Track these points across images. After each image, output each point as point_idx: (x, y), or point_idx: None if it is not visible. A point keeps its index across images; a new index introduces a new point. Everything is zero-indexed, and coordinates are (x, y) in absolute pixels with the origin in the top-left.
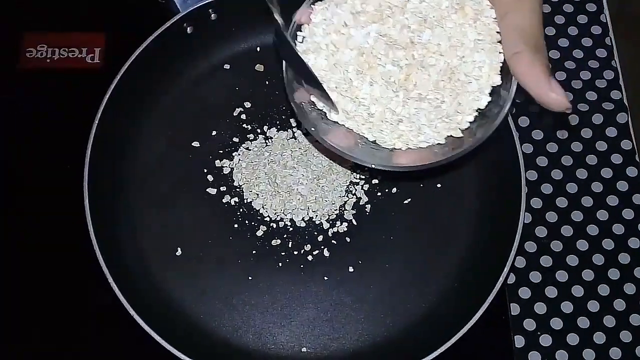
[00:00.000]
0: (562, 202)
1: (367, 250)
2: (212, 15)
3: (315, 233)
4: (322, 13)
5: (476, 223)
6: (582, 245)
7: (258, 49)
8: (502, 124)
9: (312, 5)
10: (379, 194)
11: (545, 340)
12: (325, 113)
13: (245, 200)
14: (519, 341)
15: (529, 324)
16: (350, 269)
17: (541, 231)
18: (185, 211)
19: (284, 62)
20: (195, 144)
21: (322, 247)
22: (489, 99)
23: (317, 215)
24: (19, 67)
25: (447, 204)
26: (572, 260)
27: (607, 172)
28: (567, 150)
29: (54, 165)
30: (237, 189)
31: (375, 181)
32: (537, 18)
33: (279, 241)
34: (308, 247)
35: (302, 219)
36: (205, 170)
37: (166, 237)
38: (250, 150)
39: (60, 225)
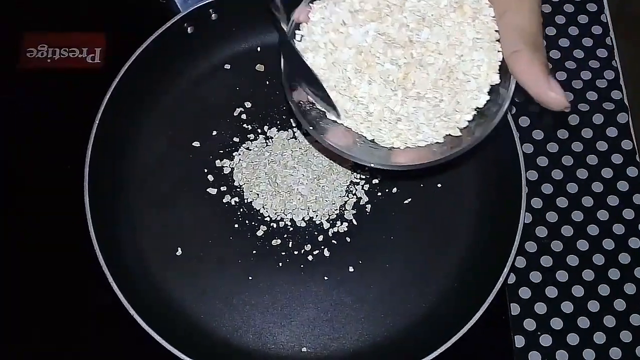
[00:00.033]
0: (562, 202)
1: (368, 250)
2: (213, 15)
3: (316, 233)
4: (321, 12)
5: (476, 223)
6: (583, 245)
7: (258, 49)
8: (501, 123)
9: (310, 4)
10: (379, 194)
11: (546, 340)
12: (324, 112)
13: (245, 200)
14: (519, 341)
15: (529, 324)
16: (351, 269)
17: (541, 231)
18: (186, 211)
19: (282, 61)
20: (196, 143)
21: (323, 247)
22: (488, 97)
23: (317, 215)
24: (19, 67)
25: (448, 204)
26: (573, 260)
27: (607, 172)
28: (567, 150)
29: (54, 165)
30: (238, 189)
31: (375, 181)
32: (536, 17)
33: (279, 241)
34: (308, 247)
35: (303, 219)
36: (206, 170)
37: (166, 237)
38: (250, 150)
39: (60, 225)
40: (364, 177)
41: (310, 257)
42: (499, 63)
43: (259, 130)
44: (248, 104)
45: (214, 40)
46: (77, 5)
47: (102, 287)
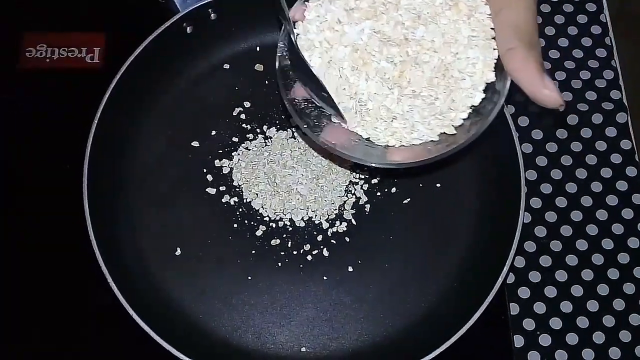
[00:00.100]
0: (561, 201)
1: (367, 250)
2: (212, 15)
3: (315, 233)
4: (316, 10)
5: (475, 223)
6: (582, 245)
7: (258, 48)
8: (497, 121)
9: (305, 2)
10: (378, 193)
11: (545, 340)
12: (320, 111)
13: (244, 200)
14: (519, 341)
15: (529, 324)
16: (350, 269)
17: (541, 231)
18: (185, 211)
19: (277, 59)
20: (195, 143)
21: (322, 246)
22: (483, 95)
23: (316, 215)
24: (19, 67)
25: (447, 203)
26: (572, 260)
27: (606, 172)
28: (566, 150)
29: (53, 165)
30: (237, 189)
31: (374, 181)
32: (532, 14)
33: (278, 241)
34: (307, 247)
35: (302, 219)
36: (205, 170)
37: (166, 237)
38: (249, 150)
39: (60, 225)
40: (363, 177)
41: (309, 257)
42: (495, 61)
43: (258, 130)
44: (247, 104)
45: (213, 40)
46: (77, 5)
47: (101, 287)
